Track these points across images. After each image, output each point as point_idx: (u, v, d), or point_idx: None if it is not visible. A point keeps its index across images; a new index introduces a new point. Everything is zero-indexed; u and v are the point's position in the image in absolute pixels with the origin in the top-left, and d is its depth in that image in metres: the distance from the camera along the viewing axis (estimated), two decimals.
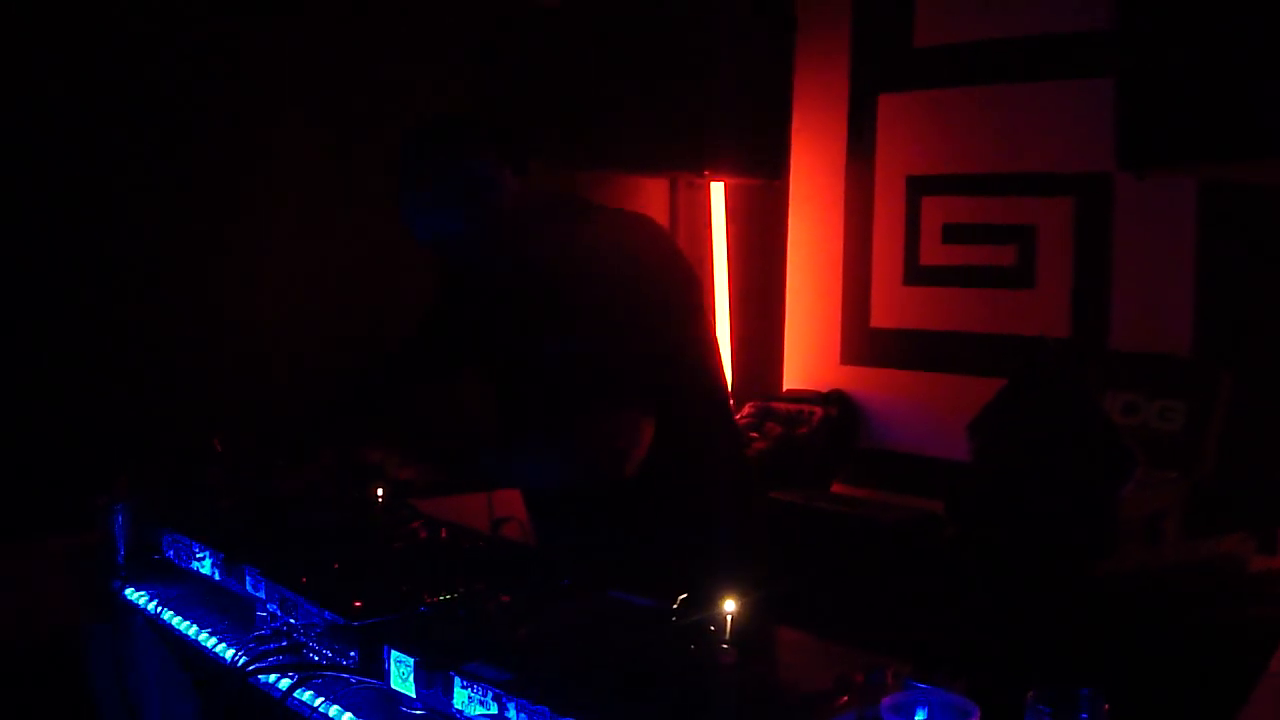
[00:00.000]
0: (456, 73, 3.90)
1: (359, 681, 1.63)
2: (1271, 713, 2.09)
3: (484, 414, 2.62)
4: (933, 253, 4.19)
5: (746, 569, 2.29)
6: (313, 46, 3.55)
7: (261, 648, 1.78)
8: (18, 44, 3.02)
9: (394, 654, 1.55)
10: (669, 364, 2.30)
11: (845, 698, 1.41)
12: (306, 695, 1.62)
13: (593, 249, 2.31)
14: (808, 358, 4.58)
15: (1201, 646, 2.75)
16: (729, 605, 1.53)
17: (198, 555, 2.08)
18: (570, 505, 2.42)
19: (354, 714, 1.56)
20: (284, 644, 1.77)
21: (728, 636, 1.51)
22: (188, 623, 2.00)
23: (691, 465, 2.37)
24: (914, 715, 1.27)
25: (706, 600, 1.58)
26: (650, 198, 4.58)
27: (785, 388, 4.61)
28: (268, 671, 1.72)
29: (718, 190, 4.48)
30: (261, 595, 1.85)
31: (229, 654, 1.83)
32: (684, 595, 1.65)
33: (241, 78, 3.41)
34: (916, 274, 4.25)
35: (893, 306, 4.32)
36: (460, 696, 1.45)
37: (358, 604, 1.67)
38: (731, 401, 3.04)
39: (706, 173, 4.13)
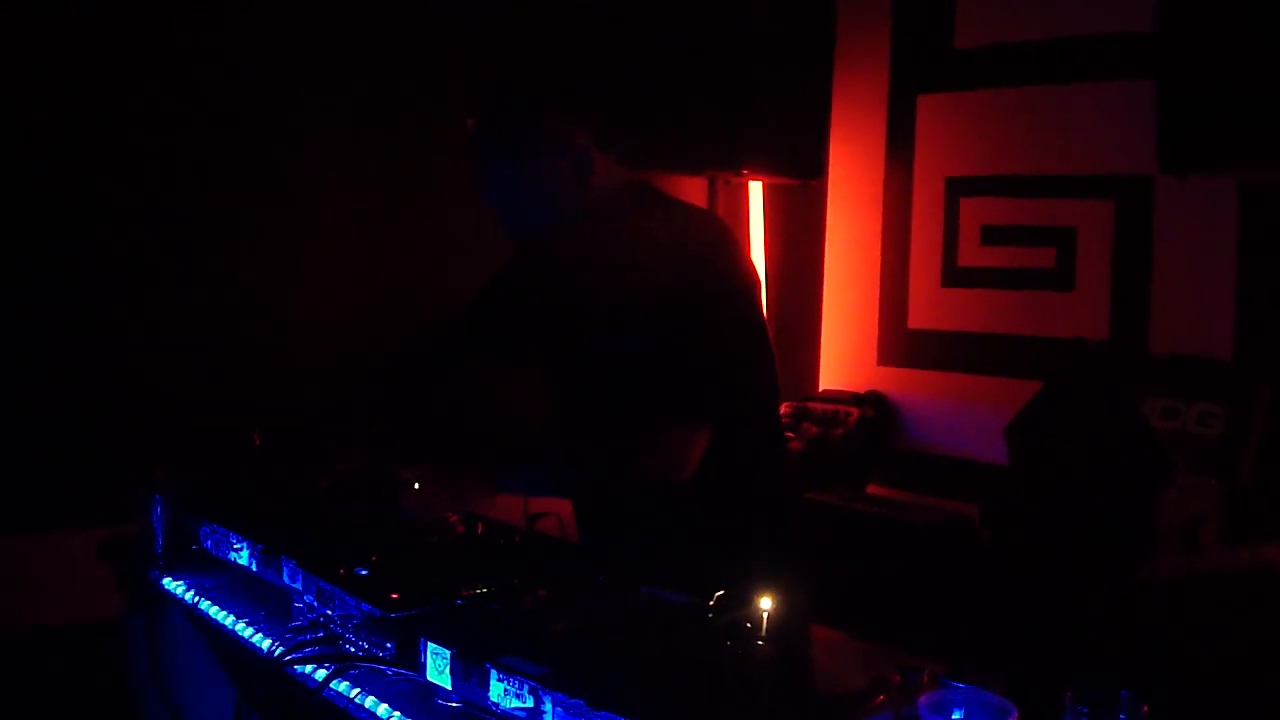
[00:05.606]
0: (496, 71, 3.91)
1: (395, 673, 1.64)
2: None
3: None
4: (971, 254, 4.17)
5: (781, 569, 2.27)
6: (350, 40, 3.57)
7: (298, 638, 1.79)
8: (60, 40, 3.05)
9: (430, 646, 1.56)
10: (733, 374, 2.22)
11: (882, 697, 1.41)
12: (342, 686, 1.63)
13: (664, 248, 2.20)
14: (844, 358, 4.57)
15: (1239, 654, 2.73)
16: (765, 603, 1.52)
17: (235, 546, 2.10)
18: (620, 505, 2.34)
19: (390, 705, 1.57)
20: (320, 635, 1.79)
21: (764, 634, 1.51)
22: (225, 613, 2.01)
23: (741, 470, 2.29)
24: (951, 714, 1.26)
25: (743, 598, 1.58)
26: (688, 197, 4.56)
27: (821, 388, 4.60)
28: (304, 662, 1.73)
29: (756, 189, 4.48)
30: (299, 586, 1.86)
31: (266, 644, 1.85)
32: (720, 592, 1.65)
33: (279, 68, 3.44)
34: (955, 275, 4.22)
35: (930, 307, 4.29)
36: (496, 689, 1.45)
37: (395, 596, 1.68)
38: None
39: (745, 172, 4.12)
